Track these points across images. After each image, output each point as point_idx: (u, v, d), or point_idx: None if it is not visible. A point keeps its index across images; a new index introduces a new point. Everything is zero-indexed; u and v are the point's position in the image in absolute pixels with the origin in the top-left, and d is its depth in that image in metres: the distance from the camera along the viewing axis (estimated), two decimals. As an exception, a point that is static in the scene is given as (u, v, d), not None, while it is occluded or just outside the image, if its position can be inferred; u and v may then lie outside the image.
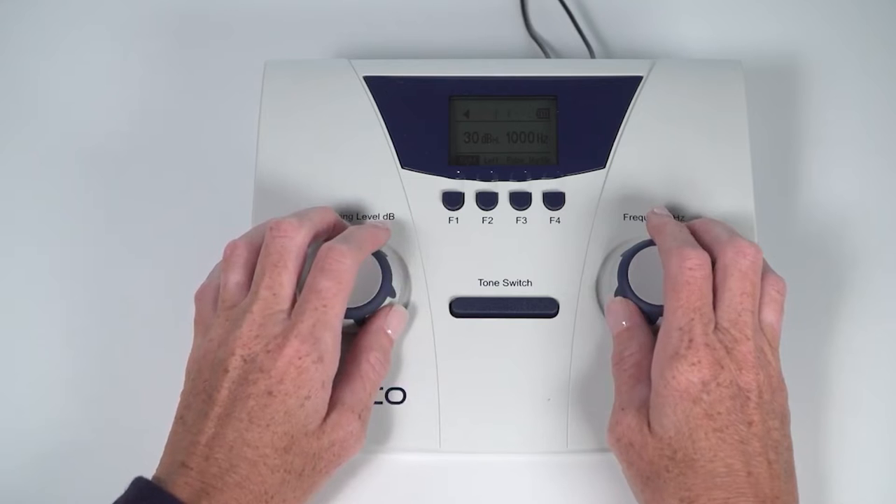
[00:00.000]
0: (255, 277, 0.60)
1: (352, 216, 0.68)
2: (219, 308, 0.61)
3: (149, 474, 0.56)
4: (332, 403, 0.60)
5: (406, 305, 0.66)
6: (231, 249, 0.62)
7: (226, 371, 0.58)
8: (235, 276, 0.61)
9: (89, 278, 0.73)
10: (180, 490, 0.55)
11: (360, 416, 0.60)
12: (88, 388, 0.70)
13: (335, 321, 0.59)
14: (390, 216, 0.68)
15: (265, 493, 0.56)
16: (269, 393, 0.57)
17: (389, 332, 0.64)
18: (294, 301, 0.60)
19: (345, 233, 0.63)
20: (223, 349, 0.58)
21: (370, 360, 0.62)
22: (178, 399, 0.60)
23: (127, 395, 0.69)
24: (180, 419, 0.58)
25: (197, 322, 0.63)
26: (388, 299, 0.65)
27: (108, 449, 0.68)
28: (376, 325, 0.64)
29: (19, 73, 0.79)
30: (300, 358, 0.57)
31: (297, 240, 0.60)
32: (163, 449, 0.58)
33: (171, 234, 0.74)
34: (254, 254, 0.62)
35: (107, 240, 0.74)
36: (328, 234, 0.64)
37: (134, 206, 0.75)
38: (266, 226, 0.62)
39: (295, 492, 0.58)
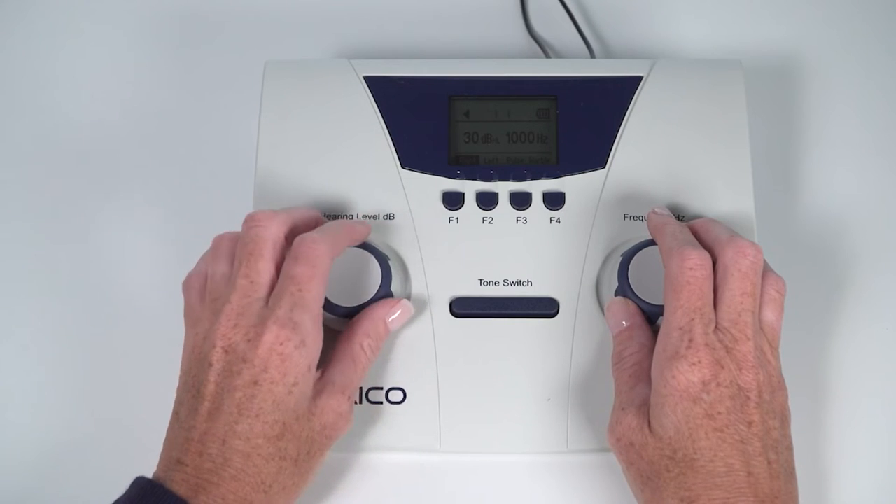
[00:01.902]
0: (233, 269, 0.60)
1: (352, 216, 0.68)
2: (206, 299, 0.61)
3: (148, 473, 0.56)
4: (322, 384, 0.60)
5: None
6: (217, 242, 0.63)
7: (210, 365, 0.58)
8: (220, 268, 0.61)
9: (89, 278, 0.73)
10: (178, 486, 0.55)
11: (348, 398, 0.60)
12: (88, 387, 0.70)
13: (313, 304, 0.59)
14: (390, 216, 0.68)
15: (262, 483, 0.56)
16: (255, 383, 0.57)
17: (389, 321, 0.64)
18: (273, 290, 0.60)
19: (320, 228, 0.63)
20: (207, 342, 0.58)
21: (363, 345, 0.62)
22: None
23: (126, 395, 0.69)
24: (175, 415, 0.59)
25: (185, 314, 0.63)
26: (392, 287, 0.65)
27: (107, 449, 0.68)
28: (377, 312, 0.64)
29: (19, 73, 0.79)
30: (281, 344, 0.57)
31: (272, 229, 0.61)
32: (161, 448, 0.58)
33: (171, 234, 0.73)
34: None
35: (105, 239, 0.74)
36: (310, 229, 0.64)
37: (133, 206, 0.75)
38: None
39: (293, 478, 0.58)
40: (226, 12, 0.80)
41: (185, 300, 0.63)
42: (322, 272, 0.60)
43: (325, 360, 0.61)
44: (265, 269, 0.60)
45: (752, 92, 0.71)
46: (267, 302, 0.59)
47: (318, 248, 0.60)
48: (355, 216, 0.68)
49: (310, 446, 0.58)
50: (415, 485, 0.66)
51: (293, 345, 0.57)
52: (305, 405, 0.58)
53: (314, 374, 0.59)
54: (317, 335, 0.59)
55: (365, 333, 0.63)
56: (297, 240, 0.60)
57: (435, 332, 0.66)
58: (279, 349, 0.57)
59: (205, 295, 0.62)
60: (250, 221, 0.61)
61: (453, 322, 0.66)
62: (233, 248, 0.62)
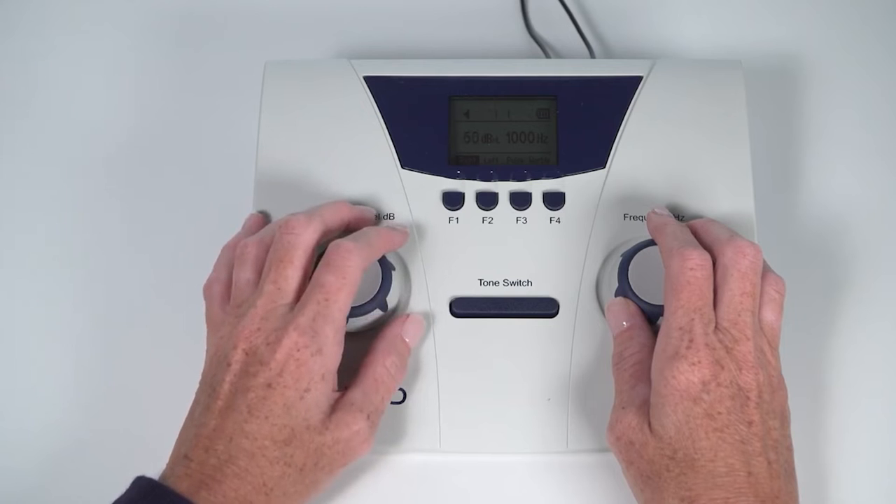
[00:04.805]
0: (262, 274, 0.61)
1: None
2: (230, 305, 0.61)
3: (150, 476, 0.56)
4: (342, 403, 0.60)
5: (406, 305, 0.66)
6: (242, 248, 0.63)
7: (228, 365, 0.58)
8: (246, 274, 0.62)
9: (89, 278, 0.73)
10: (180, 482, 0.55)
11: (368, 417, 0.60)
12: (90, 388, 0.70)
13: (337, 315, 0.59)
14: (390, 216, 0.68)
15: (264, 486, 0.56)
16: (269, 385, 0.57)
17: (407, 339, 0.64)
18: (300, 296, 0.60)
19: (357, 232, 0.63)
20: (228, 344, 0.59)
21: (386, 364, 0.62)
22: (179, 400, 0.60)
23: (129, 396, 0.69)
24: (190, 414, 0.59)
25: (207, 319, 0.63)
26: (388, 299, 0.65)
27: (109, 450, 0.67)
28: (393, 331, 0.64)
29: (19, 74, 0.79)
30: (299, 350, 0.57)
31: (305, 237, 0.61)
32: (165, 450, 0.58)
33: (171, 235, 0.74)
34: (263, 252, 0.62)
35: (106, 240, 0.74)
36: (342, 230, 0.65)
37: (133, 207, 0.75)
38: (277, 224, 0.62)
39: (296, 486, 0.58)
40: (226, 12, 0.80)
41: (206, 306, 0.64)
42: (351, 283, 0.60)
43: (350, 383, 0.61)
44: (293, 275, 0.60)
45: (752, 92, 0.71)
46: (292, 307, 0.59)
47: (350, 258, 0.60)
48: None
49: (318, 458, 0.58)
50: (415, 485, 0.66)
51: (310, 352, 0.58)
52: (318, 416, 0.58)
53: (329, 384, 0.59)
54: (336, 345, 0.59)
55: (386, 353, 0.63)
56: (331, 246, 0.61)
57: (435, 332, 0.66)
58: (296, 355, 0.57)
59: (226, 301, 0.62)
60: (284, 228, 0.61)
61: (453, 322, 0.66)
62: (258, 255, 0.62)
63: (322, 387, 0.58)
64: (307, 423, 0.58)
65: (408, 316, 0.65)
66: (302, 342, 0.58)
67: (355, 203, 0.67)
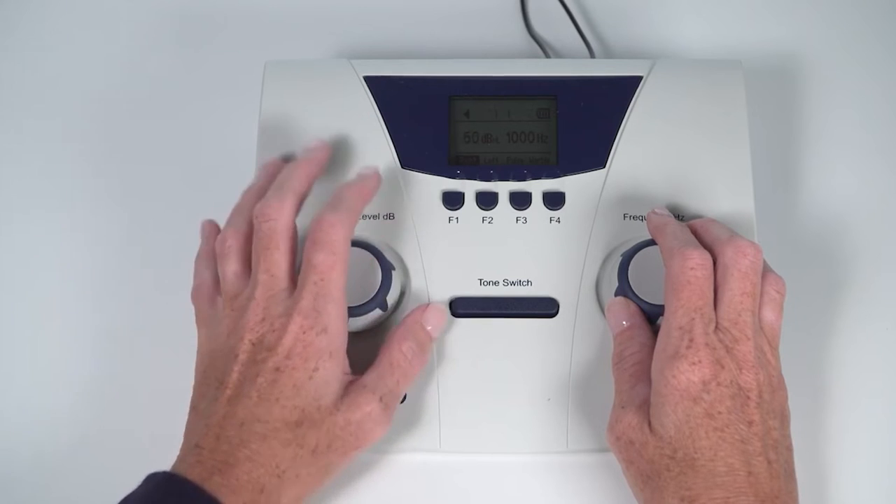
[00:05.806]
0: (252, 265, 0.61)
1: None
2: (224, 301, 0.62)
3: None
4: (355, 386, 0.60)
5: (406, 305, 0.66)
6: (221, 243, 0.63)
7: (236, 356, 0.58)
8: (232, 266, 0.62)
9: (89, 279, 0.73)
10: (192, 469, 0.55)
11: (381, 399, 0.60)
12: (90, 388, 0.70)
13: (336, 292, 0.59)
14: (390, 216, 0.68)
15: (277, 468, 0.56)
16: (277, 369, 0.57)
17: (429, 328, 0.64)
18: (294, 278, 0.60)
19: (333, 198, 0.63)
20: (233, 337, 0.59)
21: (402, 349, 0.62)
22: (182, 398, 0.60)
23: (129, 396, 0.69)
24: (194, 409, 0.59)
25: (198, 320, 0.63)
26: (388, 298, 0.65)
27: (109, 450, 0.68)
28: (413, 317, 0.64)
29: (19, 73, 0.79)
30: (304, 332, 0.58)
31: (283, 220, 0.61)
32: (164, 450, 0.58)
33: (170, 234, 0.73)
34: (242, 241, 0.62)
35: (106, 240, 0.74)
36: (312, 183, 0.64)
37: (133, 207, 0.75)
38: (244, 209, 0.63)
39: (308, 468, 0.58)
40: (226, 12, 0.80)
41: (195, 309, 0.64)
42: (343, 256, 0.60)
43: (365, 368, 0.61)
44: (283, 259, 0.60)
45: (752, 92, 0.71)
46: (290, 291, 0.60)
47: (335, 231, 0.60)
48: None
49: (330, 440, 0.58)
50: (415, 485, 0.66)
51: (315, 332, 0.58)
52: (329, 397, 0.58)
53: (337, 362, 0.59)
54: (340, 321, 0.59)
55: (403, 338, 0.63)
56: (314, 223, 0.60)
57: (435, 332, 0.66)
58: (303, 338, 0.58)
59: (216, 298, 0.63)
60: (261, 216, 0.61)
61: (453, 322, 0.66)
62: (240, 245, 0.62)
63: (330, 365, 0.58)
64: (318, 404, 0.58)
65: (428, 304, 0.65)
66: (307, 324, 0.58)
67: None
